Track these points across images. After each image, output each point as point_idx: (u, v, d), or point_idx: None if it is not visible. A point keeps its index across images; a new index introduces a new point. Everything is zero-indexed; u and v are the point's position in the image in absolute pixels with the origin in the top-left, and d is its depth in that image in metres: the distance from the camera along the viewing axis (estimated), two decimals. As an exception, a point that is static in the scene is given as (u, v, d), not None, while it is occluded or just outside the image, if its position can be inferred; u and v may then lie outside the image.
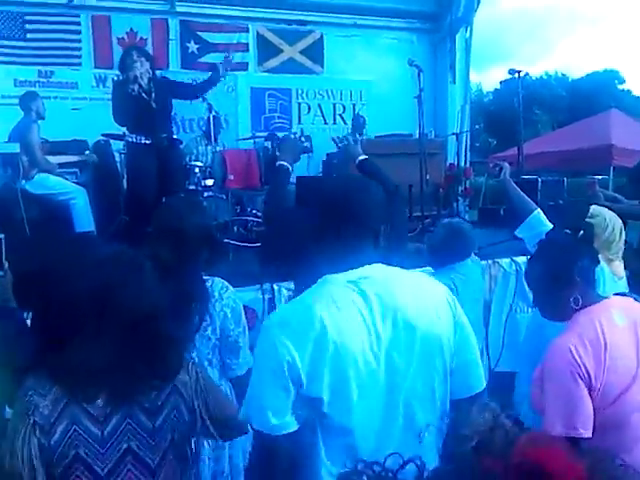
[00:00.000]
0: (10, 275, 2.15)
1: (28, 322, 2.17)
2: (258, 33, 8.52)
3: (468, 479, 0.78)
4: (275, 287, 3.92)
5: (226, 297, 2.41)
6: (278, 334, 1.52)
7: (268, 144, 7.11)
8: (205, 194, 5.85)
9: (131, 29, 7.82)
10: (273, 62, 8.62)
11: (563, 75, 36.15)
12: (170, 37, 8.01)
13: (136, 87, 4.91)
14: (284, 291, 3.88)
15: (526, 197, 3.09)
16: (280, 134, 7.64)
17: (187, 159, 6.15)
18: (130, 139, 5.08)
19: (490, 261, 4.63)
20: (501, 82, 32.12)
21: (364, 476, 0.84)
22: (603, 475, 0.76)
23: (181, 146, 5.99)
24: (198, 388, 1.68)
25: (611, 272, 2.96)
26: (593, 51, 76.48)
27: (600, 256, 2.92)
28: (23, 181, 5.05)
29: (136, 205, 4.94)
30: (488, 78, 59.64)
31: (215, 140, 6.38)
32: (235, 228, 5.90)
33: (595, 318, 2.04)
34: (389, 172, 2.88)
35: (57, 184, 5.25)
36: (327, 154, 7.40)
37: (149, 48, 7.14)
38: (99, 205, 5.42)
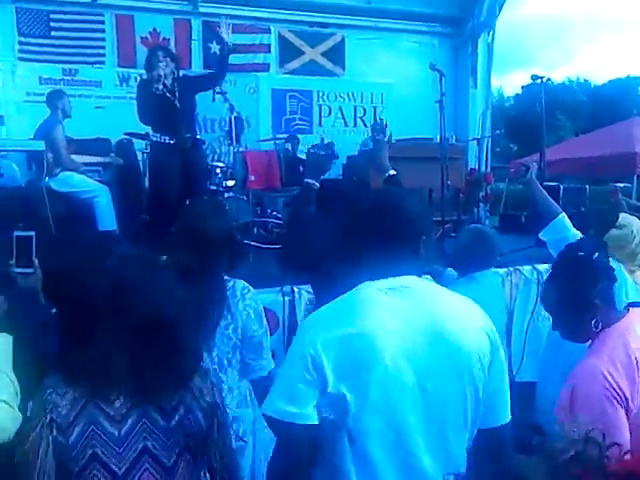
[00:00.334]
0: (40, 272, 2.17)
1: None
2: (280, 34, 8.56)
3: None
4: (295, 289, 3.92)
5: (248, 298, 2.42)
6: (309, 331, 1.55)
7: (289, 145, 7.12)
8: (226, 195, 5.88)
9: (154, 29, 7.89)
10: (294, 64, 8.65)
11: (585, 81, 35.85)
12: (193, 37, 8.07)
13: (161, 86, 4.93)
14: (304, 294, 3.88)
15: (551, 199, 3.06)
16: (300, 136, 7.67)
17: (209, 159, 6.17)
18: (154, 138, 5.10)
19: (511, 268, 4.59)
20: (523, 87, 31.96)
21: None
22: None
23: (204, 146, 6.01)
24: (214, 402, 1.70)
25: (634, 282, 2.93)
26: (615, 57, 75.72)
27: (623, 267, 2.90)
28: (47, 178, 5.10)
29: (158, 204, 4.96)
30: (509, 83, 59.39)
31: (237, 141, 6.40)
32: (255, 229, 5.91)
33: (621, 337, 2.00)
34: (410, 176, 2.87)
35: (81, 182, 5.30)
36: (348, 157, 7.40)
37: (172, 48, 7.18)
38: (121, 204, 5.46)
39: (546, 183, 6.32)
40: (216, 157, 6.44)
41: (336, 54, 8.80)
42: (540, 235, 3.04)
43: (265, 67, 8.51)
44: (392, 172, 2.91)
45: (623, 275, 2.81)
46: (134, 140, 6.24)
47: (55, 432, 1.54)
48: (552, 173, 9.48)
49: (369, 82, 8.87)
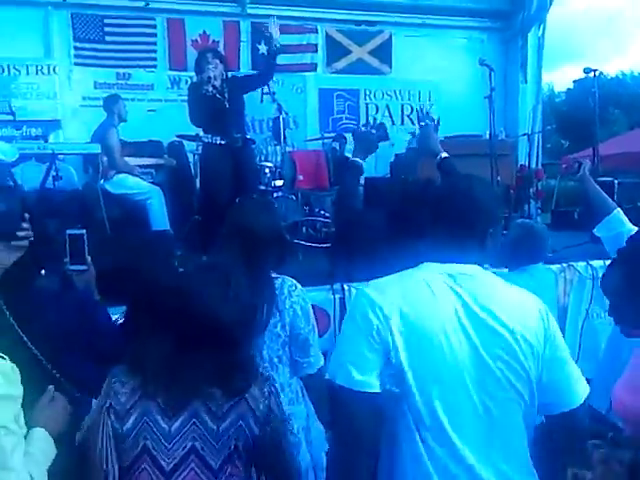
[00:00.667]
0: (93, 269, 2.22)
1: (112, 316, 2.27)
2: (327, 34, 8.56)
3: None
4: (345, 287, 3.93)
5: (295, 295, 2.43)
6: (373, 299, 1.56)
7: (336, 145, 7.13)
8: (275, 194, 5.93)
9: (204, 31, 8.00)
10: (342, 63, 8.65)
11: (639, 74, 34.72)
12: (241, 39, 8.14)
13: (210, 88, 4.99)
14: (354, 291, 3.89)
15: (605, 195, 3.00)
16: (347, 135, 7.66)
17: (257, 159, 6.23)
18: (205, 139, 5.17)
19: (565, 264, 4.51)
20: (574, 81, 31.10)
21: None
22: None
23: (253, 146, 6.07)
24: (269, 410, 1.69)
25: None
26: (670, 49, 72.90)
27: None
28: (103, 181, 5.24)
29: (209, 205, 5.01)
30: (560, 78, 57.85)
31: (284, 141, 6.45)
32: (304, 229, 5.95)
33: None
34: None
35: (134, 184, 5.42)
36: (395, 155, 7.36)
37: (221, 50, 7.27)
38: (173, 205, 5.56)
39: (600, 178, 6.18)
40: (263, 157, 6.49)
41: (383, 52, 8.75)
42: (594, 231, 2.99)
43: (312, 67, 8.53)
44: (444, 154, 2.85)
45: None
46: (185, 142, 6.36)
47: (113, 418, 1.61)
48: (606, 168, 9.24)
49: (416, 80, 8.79)
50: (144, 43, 7.82)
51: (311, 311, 2.50)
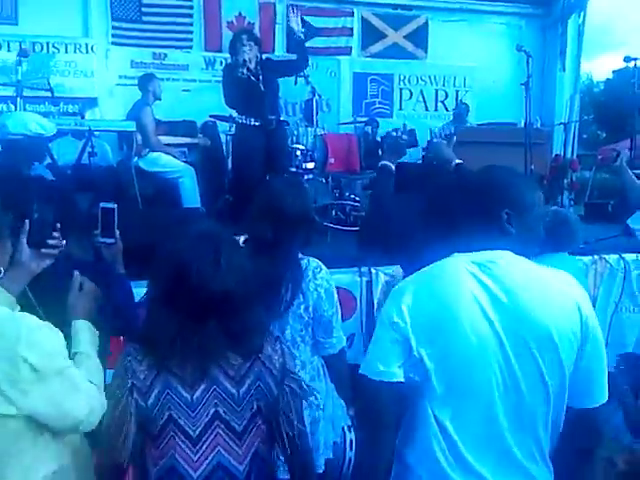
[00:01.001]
0: (120, 243, 2.26)
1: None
2: (363, 17, 8.50)
3: None
4: (373, 270, 3.93)
5: (320, 277, 2.44)
6: (397, 297, 1.62)
7: (368, 129, 7.11)
8: (306, 177, 5.94)
9: (240, 13, 8.01)
10: (376, 47, 8.60)
11: (682, 64, 33.75)
12: (277, 21, 8.12)
13: (245, 70, 4.99)
14: (381, 275, 3.90)
15: None
16: (380, 120, 7.63)
17: (289, 141, 6.24)
18: (239, 120, 5.20)
19: (596, 257, 4.44)
20: (614, 72, 30.39)
21: None
22: None
23: (287, 128, 6.07)
24: (284, 369, 1.74)
25: None
26: None
27: None
28: (136, 158, 5.31)
29: (240, 185, 5.04)
30: (599, 68, 56.55)
31: (316, 123, 6.45)
32: (333, 212, 5.96)
33: None
34: (491, 162, 2.83)
35: (167, 163, 5.47)
36: (428, 141, 7.32)
37: (256, 32, 7.29)
38: (205, 184, 5.60)
39: (637, 171, 6.07)
40: (295, 139, 6.50)
41: (419, 37, 8.67)
42: (629, 222, 2.95)
43: (347, 50, 8.49)
44: (458, 161, 2.90)
45: None
46: (218, 122, 6.40)
47: (135, 395, 1.66)
48: (644, 161, 9.05)
49: (452, 65, 8.69)
50: (180, 24, 7.86)
51: (335, 293, 2.52)
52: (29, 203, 1.88)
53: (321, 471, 2.42)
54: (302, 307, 2.41)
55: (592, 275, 4.33)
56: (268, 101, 5.15)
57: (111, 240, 2.23)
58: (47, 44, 7.24)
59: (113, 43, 7.59)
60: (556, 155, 7.47)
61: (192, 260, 1.63)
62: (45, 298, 1.91)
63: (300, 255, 2.45)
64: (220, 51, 7.66)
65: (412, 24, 8.65)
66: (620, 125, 15.80)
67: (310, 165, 6.08)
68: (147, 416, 1.66)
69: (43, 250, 1.83)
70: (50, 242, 1.85)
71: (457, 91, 8.73)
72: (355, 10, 8.45)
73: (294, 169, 5.86)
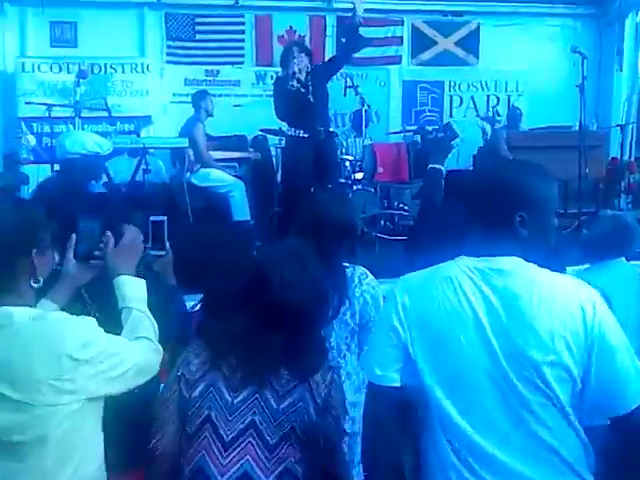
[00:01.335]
0: (171, 254, 2.33)
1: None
2: (413, 26, 8.46)
3: None
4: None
5: (366, 283, 2.45)
6: (394, 299, 1.61)
7: (417, 137, 7.08)
8: (354, 187, 5.96)
9: (290, 27, 8.09)
10: (426, 54, 8.53)
11: None
12: (327, 33, 8.18)
13: (295, 82, 5.02)
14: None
15: None
16: (429, 127, 7.56)
17: (339, 152, 6.27)
18: (289, 133, 5.25)
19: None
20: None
21: None
22: None
23: (336, 139, 6.10)
24: (327, 400, 1.73)
25: None
26: None
27: None
28: (188, 174, 5.45)
29: (290, 197, 5.08)
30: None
31: (365, 134, 6.46)
32: (382, 221, 5.96)
33: None
34: (545, 166, 2.77)
35: (218, 177, 5.60)
36: (479, 148, 7.24)
37: (307, 44, 7.35)
38: (255, 198, 5.70)
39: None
40: (344, 150, 6.53)
41: (470, 43, 8.55)
42: None
43: (397, 59, 8.46)
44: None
45: None
46: (268, 136, 6.50)
47: (182, 386, 1.71)
48: None
49: (504, 70, 8.55)
50: (233, 40, 8.02)
51: (381, 299, 2.48)
52: (76, 215, 1.96)
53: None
54: (348, 313, 2.42)
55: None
56: (318, 112, 5.18)
57: (161, 252, 2.29)
58: (105, 65, 7.54)
59: (168, 62, 7.82)
60: (613, 158, 7.26)
61: (279, 265, 1.71)
62: (101, 300, 1.96)
63: (346, 264, 2.46)
64: (271, 65, 7.76)
65: (463, 30, 8.55)
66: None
67: (359, 175, 6.10)
68: (187, 409, 1.70)
69: (91, 262, 1.90)
70: (97, 253, 1.90)
71: (509, 96, 8.58)
72: (405, 18, 8.41)
73: (343, 180, 5.88)
